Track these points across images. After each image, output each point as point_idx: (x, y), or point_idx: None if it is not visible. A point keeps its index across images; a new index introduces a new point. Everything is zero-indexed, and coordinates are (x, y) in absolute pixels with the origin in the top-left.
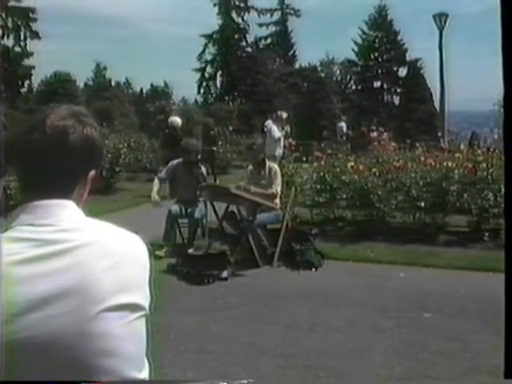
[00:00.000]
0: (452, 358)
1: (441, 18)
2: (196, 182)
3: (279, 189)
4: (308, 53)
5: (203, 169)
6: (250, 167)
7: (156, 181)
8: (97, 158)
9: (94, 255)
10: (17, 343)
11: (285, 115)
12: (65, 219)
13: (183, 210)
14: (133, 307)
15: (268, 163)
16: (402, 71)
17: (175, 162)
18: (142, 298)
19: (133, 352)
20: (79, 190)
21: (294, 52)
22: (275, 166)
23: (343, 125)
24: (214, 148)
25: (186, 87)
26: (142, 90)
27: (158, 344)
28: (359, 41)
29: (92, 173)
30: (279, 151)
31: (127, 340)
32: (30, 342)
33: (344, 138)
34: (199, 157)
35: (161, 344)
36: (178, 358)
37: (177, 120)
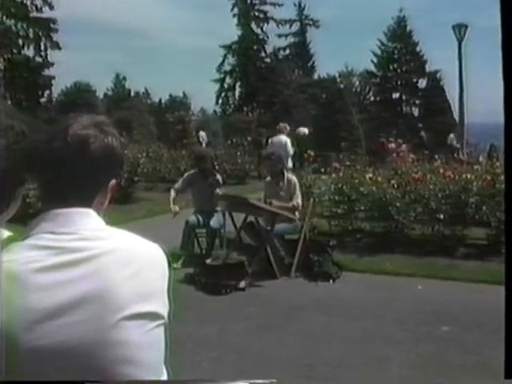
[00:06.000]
0: (470, 371)
1: (460, 29)
2: (212, 189)
3: (300, 201)
4: (327, 64)
5: (218, 176)
6: (268, 178)
7: (172, 193)
8: (117, 167)
9: (115, 263)
10: (36, 351)
11: (307, 131)
12: (86, 227)
13: (201, 220)
14: (152, 316)
15: (286, 174)
16: (422, 82)
17: (191, 172)
18: (161, 306)
19: (152, 360)
20: (100, 198)
21: (313, 63)
22: (294, 178)
23: (452, 137)
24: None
25: (204, 98)
26: (160, 101)
27: (175, 353)
28: (378, 52)
29: (112, 182)
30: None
31: (146, 348)
32: (49, 349)
33: (457, 152)
34: (214, 164)
35: (178, 354)
36: (195, 368)
37: (304, 130)
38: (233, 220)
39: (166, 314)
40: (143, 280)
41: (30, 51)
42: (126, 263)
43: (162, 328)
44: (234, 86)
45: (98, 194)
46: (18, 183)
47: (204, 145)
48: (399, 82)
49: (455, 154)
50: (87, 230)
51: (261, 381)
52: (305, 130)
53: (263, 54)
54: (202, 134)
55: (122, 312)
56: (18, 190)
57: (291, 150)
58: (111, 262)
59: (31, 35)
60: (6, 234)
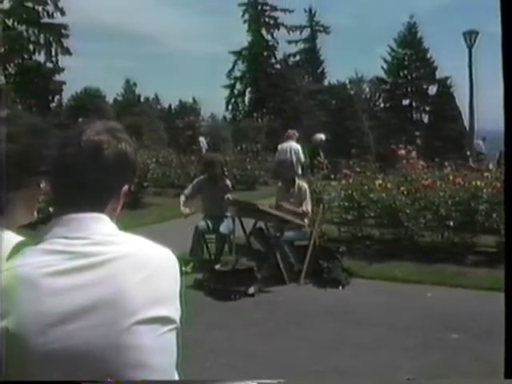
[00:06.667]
0: (479, 379)
1: (471, 36)
2: (222, 195)
3: (309, 208)
4: (337, 70)
5: (228, 182)
6: (280, 184)
7: (182, 197)
8: (130, 173)
9: (127, 268)
10: (49, 354)
11: (323, 137)
12: (98, 232)
13: (210, 226)
14: (164, 320)
15: (298, 181)
16: (432, 89)
17: (201, 177)
18: (174, 311)
19: (164, 364)
20: (112, 204)
21: (323, 69)
22: (305, 185)
23: (480, 143)
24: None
25: (214, 104)
26: (170, 106)
27: (185, 359)
28: (388, 58)
29: (125, 188)
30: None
31: (158, 353)
32: (62, 353)
33: (480, 158)
34: (224, 169)
35: (187, 359)
36: (204, 374)
37: (321, 137)
38: (242, 226)
39: (178, 319)
40: (156, 285)
41: (40, 57)
42: (140, 268)
43: (174, 332)
44: (244, 92)
45: (110, 199)
46: (25, 187)
47: (204, 151)
48: (409, 89)
49: (484, 162)
50: (100, 235)
51: (269, 381)
52: (322, 136)
53: (273, 60)
54: (202, 139)
55: (135, 316)
56: (19, 193)
57: (302, 157)
58: (125, 267)
59: (42, 41)
60: (18, 238)
